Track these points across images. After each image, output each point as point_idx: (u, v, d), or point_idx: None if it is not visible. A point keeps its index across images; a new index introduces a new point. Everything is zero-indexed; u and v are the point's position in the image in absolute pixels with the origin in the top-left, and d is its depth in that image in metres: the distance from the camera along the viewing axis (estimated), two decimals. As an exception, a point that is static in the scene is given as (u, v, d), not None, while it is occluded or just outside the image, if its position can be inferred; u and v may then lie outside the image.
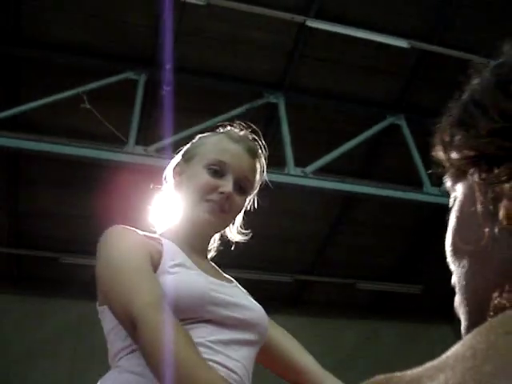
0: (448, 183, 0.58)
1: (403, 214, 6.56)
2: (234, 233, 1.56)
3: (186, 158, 1.50)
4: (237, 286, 1.48)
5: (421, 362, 0.43)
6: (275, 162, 5.08)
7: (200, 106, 5.62)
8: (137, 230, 1.34)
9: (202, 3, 4.99)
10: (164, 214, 1.54)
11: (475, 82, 0.56)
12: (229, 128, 1.55)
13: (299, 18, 5.24)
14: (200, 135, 1.55)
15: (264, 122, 5.87)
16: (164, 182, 1.53)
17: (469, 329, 0.52)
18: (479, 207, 0.51)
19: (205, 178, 1.42)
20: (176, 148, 1.56)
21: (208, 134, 1.55)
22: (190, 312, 1.19)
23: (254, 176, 1.50)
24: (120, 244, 1.28)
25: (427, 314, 7.79)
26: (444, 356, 0.41)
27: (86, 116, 5.18)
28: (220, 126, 1.56)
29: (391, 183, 5.36)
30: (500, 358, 0.37)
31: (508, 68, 0.53)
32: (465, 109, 0.55)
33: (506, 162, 0.48)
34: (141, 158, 4.84)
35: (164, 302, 1.14)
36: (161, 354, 1.04)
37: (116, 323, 1.27)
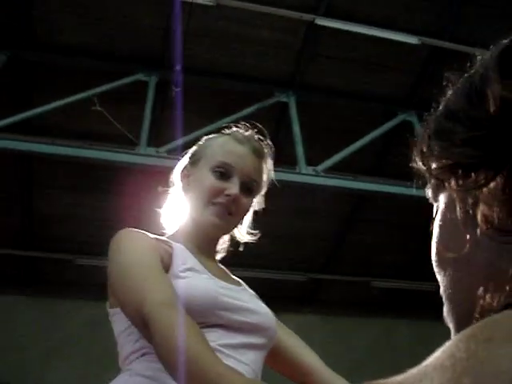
0: (429, 194, 0.60)
1: (416, 211, 6.52)
2: (243, 233, 1.56)
3: (193, 160, 1.50)
4: (245, 288, 1.48)
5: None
6: (287, 161, 5.11)
7: (211, 106, 5.63)
8: (147, 233, 1.35)
9: (211, 4, 5.00)
10: (172, 216, 1.54)
11: (450, 92, 0.57)
12: (234, 129, 1.54)
13: (308, 17, 5.23)
14: (206, 137, 1.55)
15: (275, 122, 5.87)
16: (171, 184, 1.54)
17: None
18: (459, 214, 0.52)
19: (211, 180, 1.42)
20: (187, 149, 1.57)
21: (214, 135, 1.55)
22: (201, 317, 1.20)
23: (261, 177, 1.49)
24: (131, 246, 1.28)
25: (441, 311, 7.73)
26: (424, 364, 0.40)
27: (97, 118, 5.21)
28: (226, 127, 1.56)
29: (403, 180, 5.33)
30: (480, 369, 0.36)
31: (478, 76, 0.54)
32: (439, 119, 0.56)
33: (482, 168, 0.49)
34: (152, 159, 4.86)
35: (176, 301, 1.14)
36: (174, 352, 1.04)
37: (126, 326, 1.28)
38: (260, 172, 1.49)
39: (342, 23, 5.25)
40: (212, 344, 1.17)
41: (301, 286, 7.80)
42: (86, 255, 6.77)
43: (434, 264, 0.58)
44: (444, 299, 0.57)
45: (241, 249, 1.58)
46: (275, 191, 1.57)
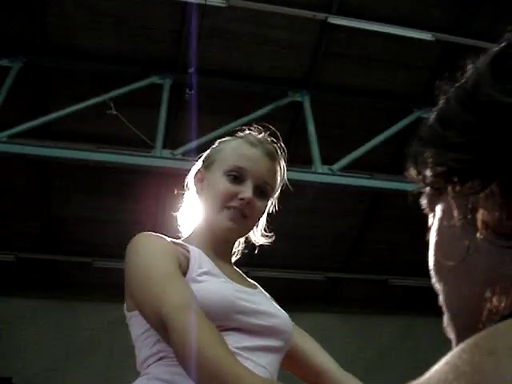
0: (425, 205, 0.59)
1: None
2: (258, 236, 1.56)
3: (206, 164, 1.50)
4: (261, 291, 1.49)
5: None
6: (302, 160, 5.11)
7: (225, 108, 5.64)
8: (164, 237, 1.35)
9: (223, 5, 5.01)
10: (188, 219, 1.55)
11: (442, 99, 0.57)
12: (247, 132, 1.55)
13: (321, 16, 5.23)
14: (219, 140, 1.56)
15: (289, 121, 5.87)
16: (186, 188, 1.54)
17: None
18: (457, 221, 0.52)
19: (224, 185, 1.42)
20: (203, 151, 1.58)
21: (227, 138, 1.55)
22: (218, 321, 1.20)
23: (275, 179, 1.49)
24: (149, 250, 1.29)
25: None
26: (427, 376, 0.40)
27: (113, 122, 5.25)
28: (240, 129, 1.56)
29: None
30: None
31: (472, 82, 0.53)
32: (433, 126, 0.56)
33: (478, 172, 0.48)
34: (168, 162, 4.87)
35: (194, 303, 1.15)
36: (193, 354, 1.05)
37: (144, 329, 1.29)
38: (273, 174, 1.49)
39: (355, 21, 5.23)
40: (229, 347, 1.18)
41: (319, 285, 7.78)
42: (105, 258, 6.82)
43: (433, 274, 0.57)
44: (444, 309, 0.56)
45: (257, 249, 1.59)
46: (292, 191, 1.57)
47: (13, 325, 7.11)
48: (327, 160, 5.08)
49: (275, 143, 1.54)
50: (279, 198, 1.56)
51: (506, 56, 0.52)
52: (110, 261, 6.67)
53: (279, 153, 1.52)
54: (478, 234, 0.49)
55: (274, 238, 1.56)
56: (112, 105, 5.11)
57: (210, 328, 1.10)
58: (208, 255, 1.39)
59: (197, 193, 1.50)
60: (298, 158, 5.08)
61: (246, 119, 4.82)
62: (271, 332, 1.34)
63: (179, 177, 1.58)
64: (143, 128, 5.22)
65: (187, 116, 4.80)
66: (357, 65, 5.70)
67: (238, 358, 1.15)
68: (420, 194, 0.58)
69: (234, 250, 1.52)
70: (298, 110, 5.80)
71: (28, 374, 6.89)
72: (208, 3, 4.96)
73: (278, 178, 1.51)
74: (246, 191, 1.41)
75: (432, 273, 0.57)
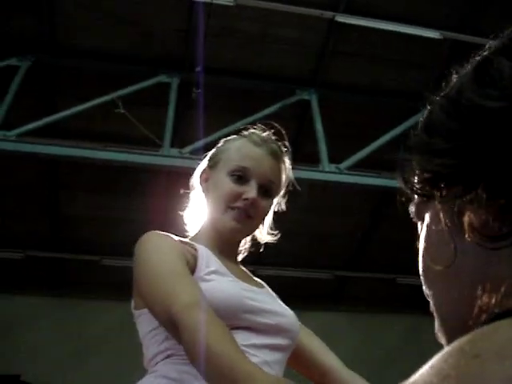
0: (413, 213, 0.60)
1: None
2: (264, 234, 1.56)
3: (211, 164, 1.51)
4: (268, 290, 1.49)
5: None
6: (310, 158, 5.10)
7: (233, 106, 5.64)
8: (171, 235, 1.36)
9: (230, 4, 5.01)
10: (194, 219, 1.56)
11: (428, 108, 0.59)
12: (251, 131, 1.55)
13: (328, 14, 5.22)
14: (224, 139, 1.56)
15: (297, 120, 5.87)
16: (192, 187, 1.55)
17: None
18: (444, 225, 0.53)
19: (229, 185, 1.43)
20: (210, 149, 1.58)
21: (231, 137, 1.55)
22: (226, 319, 1.21)
23: (279, 178, 1.49)
24: (157, 249, 1.30)
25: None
26: (411, 380, 0.40)
27: (120, 121, 5.26)
28: (245, 128, 1.57)
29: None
30: None
31: (456, 89, 0.54)
32: (419, 134, 0.57)
33: (463, 177, 0.49)
34: (176, 161, 4.88)
35: (204, 301, 1.16)
36: (203, 351, 1.05)
37: (152, 327, 1.30)
38: (278, 173, 1.49)
39: (363, 20, 5.22)
40: None
41: (326, 283, 7.78)
42: (112, 256, 6.85)
43: (423, 280, 0.58)
44: (434, 314, 0.57)
45: (265, 248, 1.59)
46: (298, 189, 1.57)
47: (21, 322, 7.15)
48: (335, 159, 5.07)
49: (279, 142, 1.54)
50: (286, 197, 1.56)
51: (489, 62, 0.52)
52: (117, 259, 6.69)
53: (283, 151, 1.52)
54: (465, 237, 0.50)
55: (280, 237, 1.56)
56: (120, 104, 5.13)
57: (220, 326, 1.11)
58: (215, 254, 1.39)
59: (202, 192, 1.51)
60: (305, 157, 5.08)
61: (253, 118, 4.82)
62: (278, 330, 1.35)
63: (187, 175, 1.59)
64: (151, 127, 5.23)
65: (195, 115, 4.80)
66: (364, 63, 5.69)
67: (247, 355, 1.16)
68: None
69: (240, 248, 1.53)
70: (306, 108, 5.80)
71: (37, 371, 6.93)
72: (215, 2, 4.96)
73: (283, 177, 1.51)
74: (250, 191, 1.41)
75: (422, 278, 0.58)
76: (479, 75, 0.52)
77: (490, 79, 0.50)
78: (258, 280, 1.52)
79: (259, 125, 1.56)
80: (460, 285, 0.52)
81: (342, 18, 5.20)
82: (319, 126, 5.37)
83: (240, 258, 1.54)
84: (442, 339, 0.56)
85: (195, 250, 1.37)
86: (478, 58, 0.55)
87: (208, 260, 1.35)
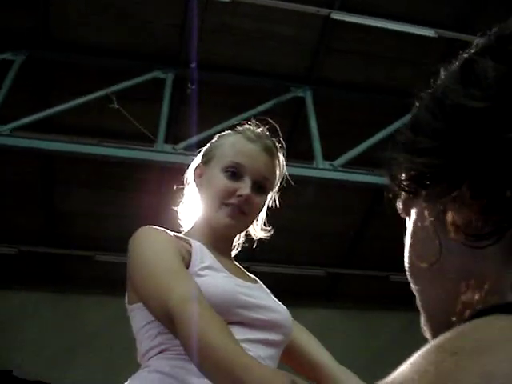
0: (400, 209, 0.60)
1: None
2: (258, 230, 1.57)
3: (205, 160, 1.51)
4: (261, 286, 1.50)
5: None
6: (304, 155, 5.10)
7: (227, 103, 5.63)
8: (166, 230, 1.36)
9: (226, 0, 5.00)
10: (188, 214, 1.56)
11: (415, 107, 0.60)
12: (246, 126, 1.55)
13: (324, 11, 5.21)
14: (218, 135, 1.56)
15: (292, 117, 5.87)
16: (186, 183, 1.55)
17: None
18: (429, 223, 0.53)
19: (223, 181, 1.43)
20: (204, 145, 1.58)
21: (226, 133, 1.55)
22: (220, 315, 1.21)
23: (273, 174, 1.49)
24: (152, 243, 1.30)
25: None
26: (392, 376, 0.40)
27: (115, 116, 5.25)
28: (240, 124, 1.57)
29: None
30: None
31: (441, 89, 0.56)
32: (405, 132, 0.58)
33: (447, 176, 0.50)
34: (170, 156, 4.87)
35: (200, 295, 1.16)
36: (200, 344, 1.06)
37: (146, 322, 1.30)
38: (272, 169, 1.49)
39: (358, 17, 5.22)
40: None
41: (320, 280, 7.79)
42: (107, 251, 6.84)
43: (408, 276, 0.59)
44: (421, 311, 0.58)
45: (258, 244, 1.59)
46: (293, 186, 1.57)
47: (14, 318, 7.13)
48: (329, 156, 5.07)
49: (273, 138, 1.54)
50: (280, 193, 1.56)
51: (474, 61, 0.53)
52: (111, 255, 6.68)
53: (277, 147, 1.52)
54: (449, 236, 0.51)
55: (274, 234, 1.56)
56: (114, 99, 5.11)
57: (216, 320, 1.11)
58: (209, 250, 1.40)
59: (196, 188, 1.51)
60: (299, 154, 5.08)
61: (247, 114, 4.81)
62: (271, 326, 1.36)
63: (181, 172, 1.59)
64: (145, 122, 5.22)
65: (189, 111, 4.80)
66: (359, 61, 5.69)
67: None
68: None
69: (234, 244, 1.53)
70: (300, 105, 5.79)
71: (29, 367, 6.91)
72: (211, -2, 4.95)
73: (277, 173, 1.51)
74: (244, 188, 1.41)
75: (407, 274, 0.59)
76: (464, 75, 0.52)
77: (475, 79, 0.51)
78: (252, 276, 1.52)
79: (253, 121, 1.56)
80: (445, 282, 0.52)
81: (337, 16, 5.20)
82: (313, 123, 5.37)
83: (234, 253, 1.54)
84: (428, 334, 0.57)
85: (190, 245, 1.37)
86: (464, 56, 0.55)
87: (202, 255, 1.36)
